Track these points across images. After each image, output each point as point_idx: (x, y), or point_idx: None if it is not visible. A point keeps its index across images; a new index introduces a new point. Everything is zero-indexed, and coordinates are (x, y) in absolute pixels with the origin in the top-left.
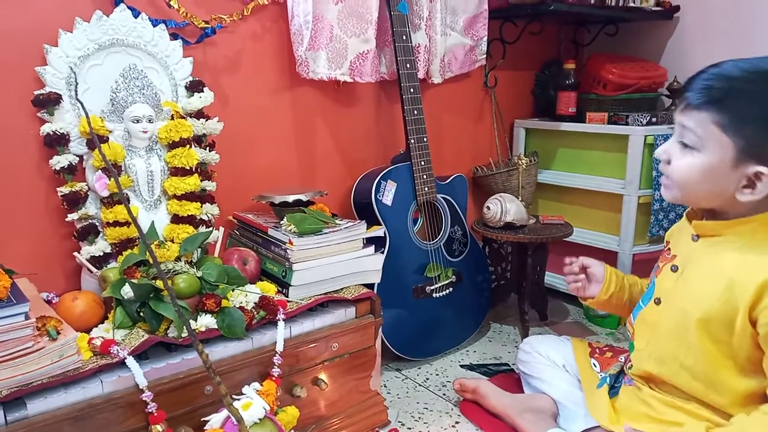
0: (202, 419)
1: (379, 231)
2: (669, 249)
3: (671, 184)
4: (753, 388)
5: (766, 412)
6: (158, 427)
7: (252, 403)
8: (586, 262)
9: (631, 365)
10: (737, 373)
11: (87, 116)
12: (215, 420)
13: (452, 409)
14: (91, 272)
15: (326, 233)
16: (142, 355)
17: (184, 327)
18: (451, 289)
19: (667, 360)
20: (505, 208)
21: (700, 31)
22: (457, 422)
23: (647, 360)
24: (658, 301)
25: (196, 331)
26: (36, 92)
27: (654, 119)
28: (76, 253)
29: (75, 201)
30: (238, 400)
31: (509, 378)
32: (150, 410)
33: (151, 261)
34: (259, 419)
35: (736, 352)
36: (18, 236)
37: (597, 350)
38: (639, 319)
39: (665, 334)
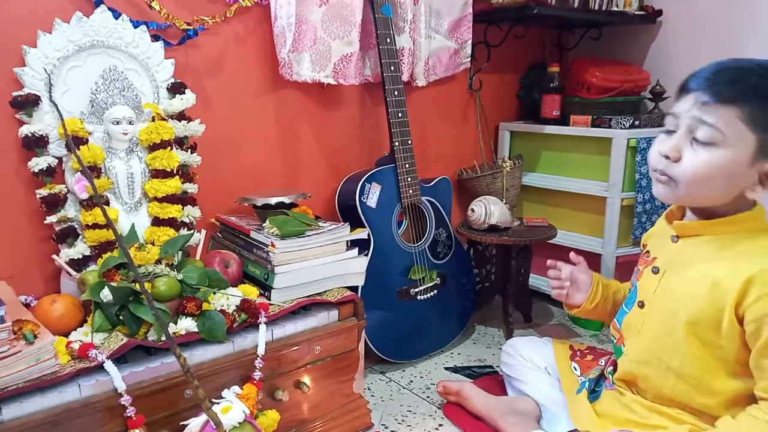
0: (181, 423)
1: (363, 233)
2: (648, 252)
3: (672, 183)
4: (740, 390)
5: (752, 414)
6: (137, 431)
7: (231, 407)
8: (576, 261)
9: (615, 369)
10: (725, 375)
11: (61, 118)
12: (194, 424)
13: (436, 412)
14: (71, 275)
15: (309, 236)
16: (121, 358)
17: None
18: (435, 291)
19: (652, 361)
20: (489, 210)
21: (682, 35)
22: (440, 425)
23: (633, 364)
24: (641, 305)
25: (176, 334)
26: (14, 93)
27: (637, 122)
28: (55, 256)
29: (54, 203)
30: (218, 403)
31: (493, 380)
32: (129, 414)
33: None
34: (239, 423)
35: (725, 353)
36: None
37: (578, 353)
38: (625, 325)
39: (650, 336)
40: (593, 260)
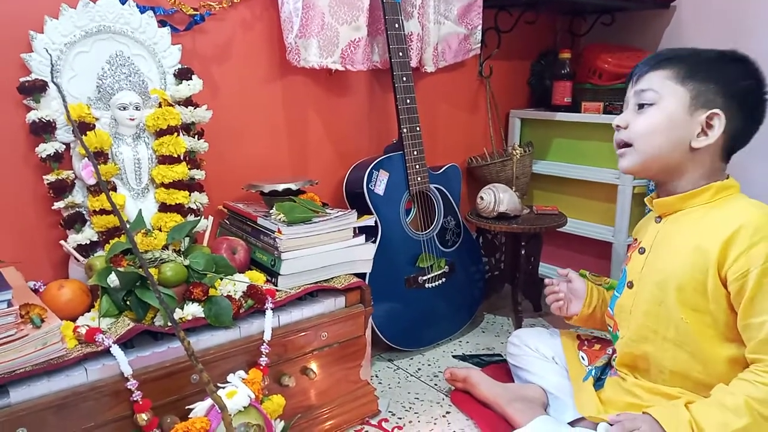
0: (186, 407)
1: (369, 220)
2: (636, 239)
3: (630, 149)
4: (735, 356)
5: (743, 377)
6: (143, 415)
7: (237, 391)
8: (570, 275)
9: (617, 356)
10: (718, 341)
11: (64, 100)
12: (200, 408)
13: (443, 399)
14: (78, 261)
15: (316, 222)
16: (127, 343)
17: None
18: (443, 279)
19: (649, 336)
20: (498, 198)
21: (696, 20)
22: (447, 412)
23: (632, 344)
24: (630, 285)
25: (183, 319)
26: (22, 79)
27: None
28: (62, 242)
29: (61, 189)
30: (223, 388)
31: (501, 368)
32: (135, 399)
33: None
34: (244, 407)
35: (714, 318)
36: (5, 225)
37: (585, 342)
38: (617, 308)
39: (642, 312)
40: (604, 249)
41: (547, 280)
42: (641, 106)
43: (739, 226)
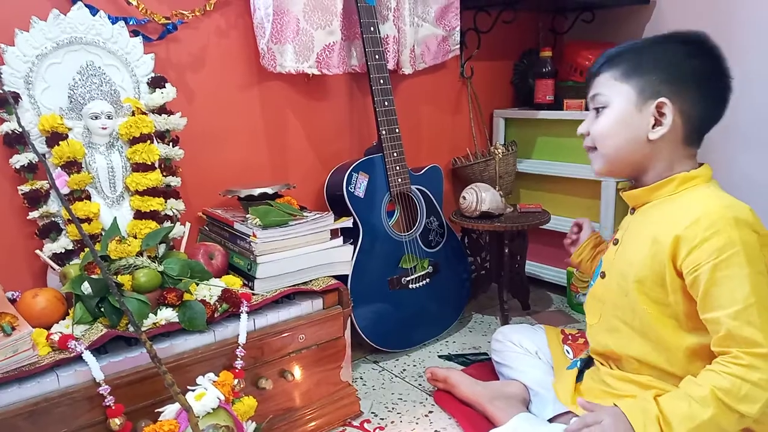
0: (156, 410)
1: (347, 222)
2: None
3: (596, 153)
4: (697, 344)
5: (711, 368)
6: (116, 420)
7: (205, 393)
8: (581, 223)
9: (589, 345)
10: (679, 331)
11: (13, 105)
12: (168, 411)
13: (426, 399)
14: (54, 269)
15: (292, 225)
16: (101, 349)
17: (143, 320)
18: (427, 279)
19: (619, 327)
20: (480, 197)
21: (676, 15)
22: (430, 412)
23: (602, 333)
24: (603, 275)
25: (157, 324)
26: None
27: None
28: (38, 251)
29: (36, 199)
30: (193, 390)
31: (485, 366)
32: (107, 404)
33: (113, 256)
34: (213, 409)
35: (674, 309)
36: None
37: (570, 336)
38: (589, 296)
39: (612, 303)
40: None
41: (577, 221)
42: (597, 110)
43: (694, 219)
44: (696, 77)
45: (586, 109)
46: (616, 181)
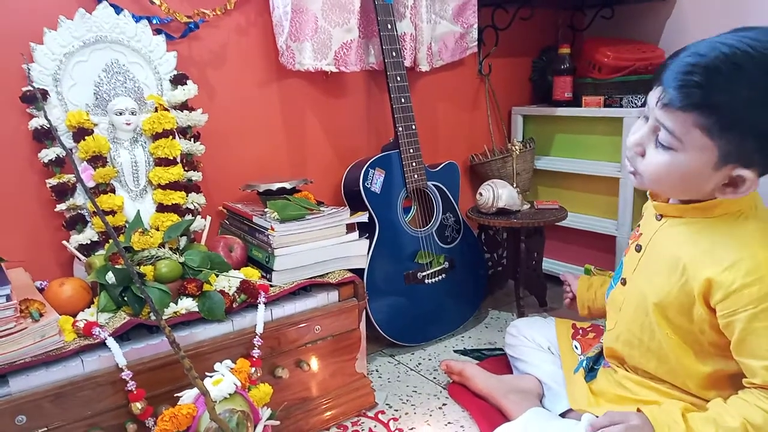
0: (175, 395)
1: (363, 217)
2: (639, 225)
3: (640, 175)
4: (717, 372)
5: (742, 397)
6: (138, 404)
7: (222, 379)
8: (569, 280)
9: (604, 347)
10: (700, 357)
11: (42, 102)
12: (187, 395)
13: (441, 392)
14: (80, 260)
15: (309, 219)
16: (124, 336)
17: (164, 309)
18: (443, 275)
19: (635, 343)
20: (497, 193)
21: (698, 11)
22: (444, 404)
23: (616, 341)
24: (624, 282)
25: (177, 313)
26: (24, 89)
27: None
28: (65, 242)
29: (63, 192)
30: (211, 377)
31: (500, 361)
32: (130, 388)
33: (136, 248)
34: (230, 394)
35: (697, 337)
36: (13, 228)
37: (580, 331)
38: (609, 299)
39: (630, 316)
40: (608, 242)
41: (561, 276)
42: (657, 138)
43: (733, 261)
44: None
45: (605, 105)
46: None
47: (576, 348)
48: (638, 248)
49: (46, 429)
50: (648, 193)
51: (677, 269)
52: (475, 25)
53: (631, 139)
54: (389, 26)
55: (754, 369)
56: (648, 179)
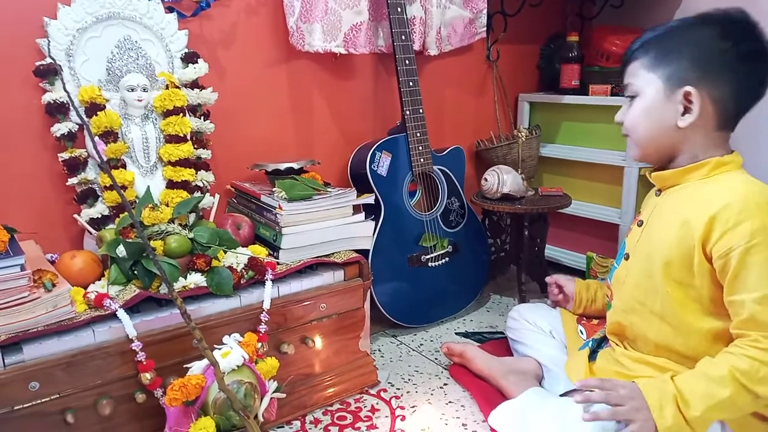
0: (184, 366)
1: (369, 198)
2: (639, 212)
3: (629, 139)
4: (718, 329)
5: (729, 350)
6: (147, 375)
7: (231, 351)
8: (560, 282)
9: (607, 324)
10: (702, 315)
11: (60, 75)
12: (196, 367)
13: (442, 372)
14: (91, 233)
15: (316, 199)
16: (134, 308)
17: (173, 283)
18: (447, 258)
19: (636, 308)
20: (502, 179)
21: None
22: (445, 384)
23: (619, 313)
24: (627, 257)
25: (186, 287)
26: (37, 63)
27: None
28: (76, 216)
29: (75, 166)
30: (219, 349)
31: (501, 344)
32: (139, 359)
33: (146, 223)
34: (237, 366)
35: (699, 292)
36: (25, 201)
37: (584, 317)
38: (614, 279)
39: (633, 284)
40: (612, 230)
41: (547, 279)
42: (630, 98)
43: (727, 203)
44: (728, 60)
45: (612, 94)
46: (639, 167)
47: (582, 333)
48: (640, 223)
49: (57, 395)
50: (648, 174)
51: (677, 224)
52: (485, 11)
53: (617, 115)
54: (399, 9)
55: (743, 303)
56: (631, 131)
